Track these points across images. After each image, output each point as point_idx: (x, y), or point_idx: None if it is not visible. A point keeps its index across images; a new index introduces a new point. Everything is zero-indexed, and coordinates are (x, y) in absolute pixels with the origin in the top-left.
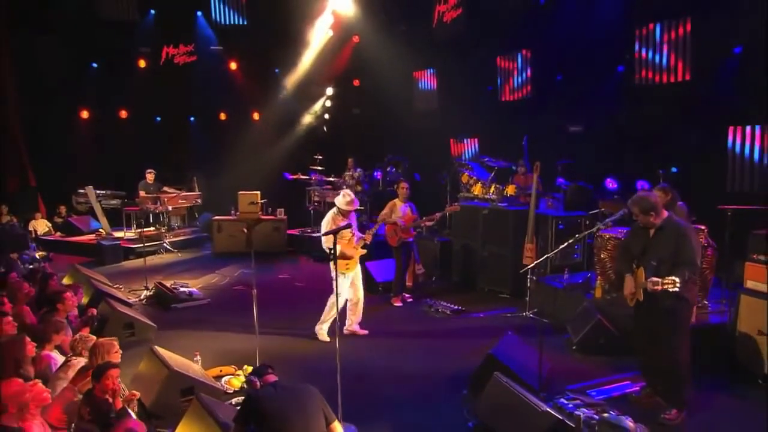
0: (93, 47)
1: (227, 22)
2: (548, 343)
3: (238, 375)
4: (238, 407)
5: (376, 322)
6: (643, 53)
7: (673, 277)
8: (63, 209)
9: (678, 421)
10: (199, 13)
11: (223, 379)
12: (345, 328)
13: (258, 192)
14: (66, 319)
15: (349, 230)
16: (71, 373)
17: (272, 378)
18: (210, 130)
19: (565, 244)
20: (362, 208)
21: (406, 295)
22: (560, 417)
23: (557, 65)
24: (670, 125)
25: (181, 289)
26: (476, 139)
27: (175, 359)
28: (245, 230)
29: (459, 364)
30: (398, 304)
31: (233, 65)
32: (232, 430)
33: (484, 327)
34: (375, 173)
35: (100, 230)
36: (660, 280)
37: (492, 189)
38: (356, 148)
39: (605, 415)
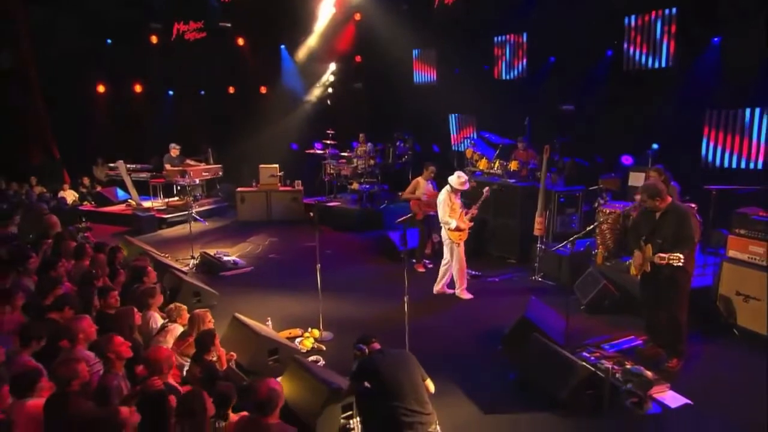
0: (107, 24)
1: None
2: (557, 303)
3: (307, 337)
4: (354, 369)
5: (408, 286)
6: (630, 40)
7: (677, 254)
8: (86, 180)
9: (678, 368)
10: None
11: (296, 341)
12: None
13: (277, 165)
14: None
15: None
16: (170, 338)
17: (376, 345)
18: (219, 103)
19: (591, 226)
20: (374, 180)
21: (427, 261)
22: (593, 369)
23: (551, 48)
24: (654, 106)
25: (225, 258)
26: (472, 115)
27: (255, 324)
28: (312, 214)
29: (488, 323)
30: (421, 270)
31: (240, 41)
32: (348, 386)
33: (500, 290)
34: (377, 145)
35: (130, 201)
36: (666, 255)
37: (497, 164)
38: (359, 122)
39: (627, 366)
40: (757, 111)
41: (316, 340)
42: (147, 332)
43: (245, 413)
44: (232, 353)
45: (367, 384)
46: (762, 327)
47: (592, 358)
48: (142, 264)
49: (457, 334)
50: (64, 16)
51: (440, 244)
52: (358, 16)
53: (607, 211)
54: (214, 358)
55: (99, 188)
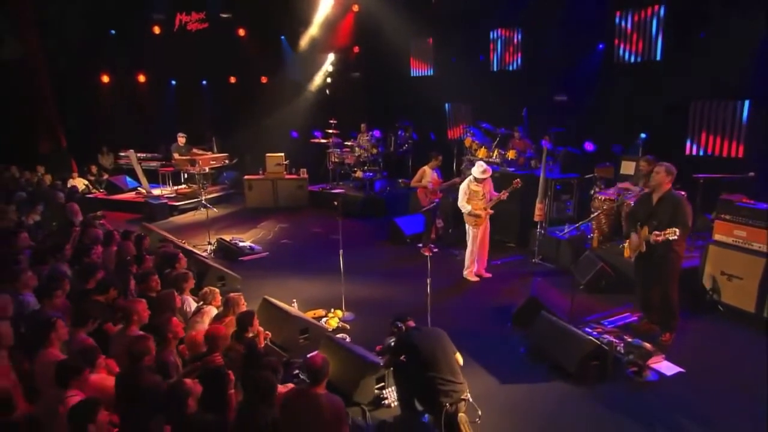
0: (111, 14)
1: None
2: (557, 282)
3: (332, 317)
4: (392, 345)
5: (415, 270)
6: (620, 34)
7: (674, 228)
8: (93, 168)
9: (671, 342)
10: None
11: (322, 320)
12: (474, 271)
13: (282, 154)
14: None
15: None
16: (206, 319)
17: (411, 323)
18: (221, 93)
19: (597, 213)
20: (377, 167)
21: (432, 246)
22: (599, 342)
23: (545, 41)
24: (642, 97)
25: (241, 244)
26: (468, 105)
27: (283, 305)
28: (336, 203)
29: (495, 301)
30: (428, 253)
31: (242, 32)
32: (386, 360)
33: (503, 272)
34: (375, 132)
35: (140, 189)
36: (662, 232)
37: (495, 153)
38: (357, 111)
39: (628, 339)
40: (738, 104)
41: (340, 319)
42: (183, 314)
43: (291, 385)
44: (267, 332)
45: (403, 358)
46: (743, 303)
47: (595, 333)
48: (173, 250)
49: (468, 314)
50: (69, 7)
51: (444, 229)
52: (356, 8)
53: (603, 198)
54: (251, 335)
55: (105, 176)
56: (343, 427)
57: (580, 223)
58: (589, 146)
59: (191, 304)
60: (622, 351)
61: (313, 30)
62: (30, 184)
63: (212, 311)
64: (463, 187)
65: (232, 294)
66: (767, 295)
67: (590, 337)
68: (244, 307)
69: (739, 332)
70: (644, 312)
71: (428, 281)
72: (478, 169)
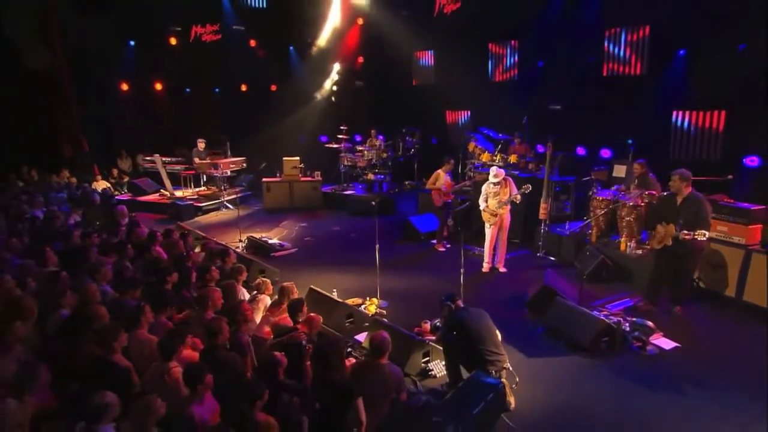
0: (131, 26)
1: (249, 5)
2: (560, 274)
3: (369, 304)
4: (444, 322)
5: (435, 263)
6: (610, 50)
7: (703, 231)
8: (115, 171)
9: (681, 313)
10: None
11: (361, 307)
12: (488, 263)
13: (298, 158)
14: None
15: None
16: (261, 306)
17: (460, 303)
18: (233, 100)
19: (603, 212)
20: (387, 170)
21: (445, 242)
22: (608, 322)
23: (540, 54)
24: (629, 107)
25: (270, 241)
26: (468, 112)
27: (327, 294)
28: (374, 203)
29: (510, 291)
30: (441, 249)
31: (253, 43)
32: (439, 335)
33: (513, 265)
34: (378, 137)
35: (162, 191)
36: (692, 232)
37: (498, 158)
38: (360, 118)
39: (633, 319)
40: (715, 114)
41: (377, 306)
42: None
43: (353, 359)
44: (319, 316)
45: (454, 333)
46: (724, 289)
47: (602, 314)
48: (222, 246)
49: (486, 301)
50: (92, 19)
51: (455, 227)
52: (360, 21)
53: (600, 198)
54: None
55: (126, 179)
56: (402, 392)
57: (587, 220)
58: (581, 151)
59: (245, 294)
60: (628, 329)
61: (321, 42)
62: (66, 187)
63: (266, 299)
64: (483, 188)
65: (285, 283)
66: (746, 282)
67: (601, 317)
68: (296, 294)
69: (723, 314)
70: (649, 292)
71: (461, 271)
72: (491, 173)
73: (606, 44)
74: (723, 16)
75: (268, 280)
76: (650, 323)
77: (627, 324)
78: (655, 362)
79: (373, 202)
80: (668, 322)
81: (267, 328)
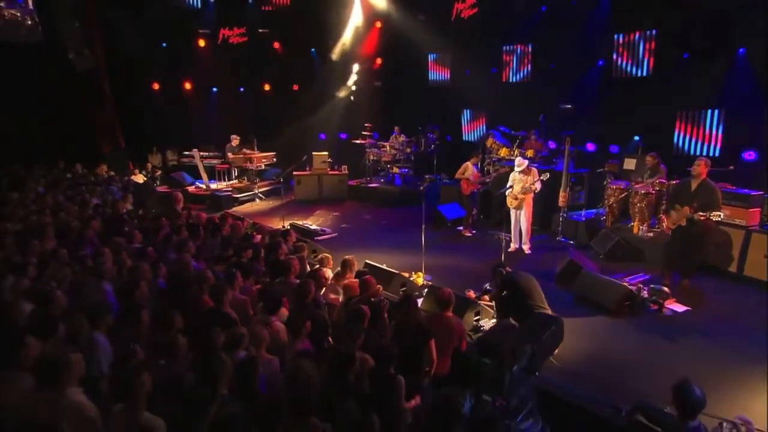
0: (162, 29)
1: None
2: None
3: (416, 277)
4: (498, 283)
5: (465, 246)
6: (619, 53)
7: (718, 212)
8: (149, 166)
9: (689, 285)
10: (250, 0)
11: (410, 279)
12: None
13: (326, 152)
14: None
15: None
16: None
17: (509, 269)
18: (257, 99)
19: (621, 196)
20: (410, 165)
21: (471, 228)
22: (630, 288)
23: (552, 57)
24: (636, 107)
25: (311, 227)
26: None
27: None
28: (422, 188)
29: (536, 267)
30: (468, 234)
31: (277, 45)
32: (492, 294)
33: (536, 246)
34: (393, 133)
35: (198, 184)
36: (708, 213)
37: (516, 153)
38: (377, 116)
39: (652, 286)
40: (716, 112)
41: (423, 278)
42: None
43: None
44: (379, 285)
45: (504, 293)
46: (727, 265)
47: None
48: (278, 229)
49: None
50: (127, 23)
51: (479, 215)
52: (379, 24)
53: (614, 187)
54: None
55: (158, 173)
56: (464, 341)
57: (600, 206)
58: (590, 146)
59: (307, 268)
60: (646, 295)
61: (341, 44)
62: (110, 179)
63: (328, 273)
64: (510, 175)
65: (347, 256)
66: (746, 258)
67: (624, 284)
68: (357, 267)
69: (726, 285)
70: (667, 268)
71: (502, 245)
72: (516, 162)
73: (614, 47)
74: (723, 21)
75: (330, 255)
76: (666, 289)
77: (645, 290)
78: (670, 321)
79: (422, 187)
80: (679, 292)
81: (332, 295)
